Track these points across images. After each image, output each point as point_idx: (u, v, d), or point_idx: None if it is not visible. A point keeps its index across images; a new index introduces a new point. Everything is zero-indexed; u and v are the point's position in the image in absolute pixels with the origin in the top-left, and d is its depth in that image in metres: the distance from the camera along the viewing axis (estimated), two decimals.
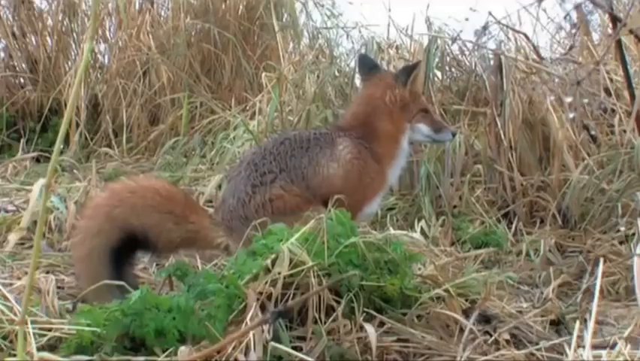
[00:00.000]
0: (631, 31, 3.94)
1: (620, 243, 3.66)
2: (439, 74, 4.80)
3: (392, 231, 3.38)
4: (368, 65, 3.46)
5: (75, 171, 5.08)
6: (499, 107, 4.25)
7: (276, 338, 2.31)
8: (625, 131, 4.33)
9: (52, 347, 2.36)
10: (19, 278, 3.01)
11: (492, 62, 4.41)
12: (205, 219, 3.02)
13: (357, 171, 3.14)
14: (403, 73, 3.31)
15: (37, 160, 5.67)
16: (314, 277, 2.44)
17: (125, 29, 6.37)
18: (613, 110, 4.58)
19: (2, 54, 6.59)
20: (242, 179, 3.08)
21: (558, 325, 2.82)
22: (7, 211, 3.97)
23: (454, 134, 3.48)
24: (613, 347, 2.23)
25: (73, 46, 6.61)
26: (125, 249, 2.86)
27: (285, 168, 3.07)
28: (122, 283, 2.68)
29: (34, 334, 2.30)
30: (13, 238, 3.55)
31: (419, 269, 2.77)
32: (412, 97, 3.29)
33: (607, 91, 4.53)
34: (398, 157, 3.28)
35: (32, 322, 2.34)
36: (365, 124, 3.23)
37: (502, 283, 3.20)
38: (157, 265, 3.31)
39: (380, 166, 3.21)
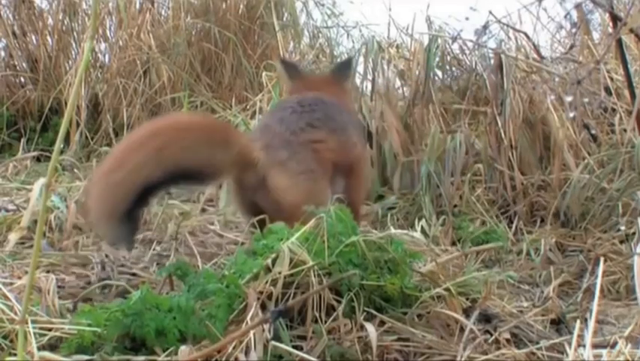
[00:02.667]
0: (631, 30, 3.94)
1: (621, 242, 3.65)
2: (439, 73, 4.81)
3: (392, 230, 3.38)
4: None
5: (75, 170, 5.07)
6: (499, 107, 4.25)
7: (277, 338, 2.30)
8: (625, 130, 4.32)
9: (52, 346, 2.36)
10: (19, 277, 3.00)
11: (492, 61, 4.40)
12: (243, 138, 3.01)
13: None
14: None
15: (38, 159, 5.66)
16: (314, 276, 2.44)
17: (125, 28, 6.35)
18: (613, 110, 4.58)
19: (2, 53, 6.57)
20: (294, 112, 3.03)
21: (559, 324, 2.81)
22: (7, 210, 3.96)
23: None
24: (613, 346, 2.22)
25: (74, 45, 6.60)
26: (154, 188, 2.80)
27: (332, 118, 3.08)
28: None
29: (34, 333, 2.30)
30: (13, 237, 3.54)
31: (419, 268, 2.76)
32: None
33: (607, 90, 4.52)
34: None
35: (33, 321, 2.34)
36: None
37: (503, 282, 3.20)
38: (157, 264, 3.31)
39: None
